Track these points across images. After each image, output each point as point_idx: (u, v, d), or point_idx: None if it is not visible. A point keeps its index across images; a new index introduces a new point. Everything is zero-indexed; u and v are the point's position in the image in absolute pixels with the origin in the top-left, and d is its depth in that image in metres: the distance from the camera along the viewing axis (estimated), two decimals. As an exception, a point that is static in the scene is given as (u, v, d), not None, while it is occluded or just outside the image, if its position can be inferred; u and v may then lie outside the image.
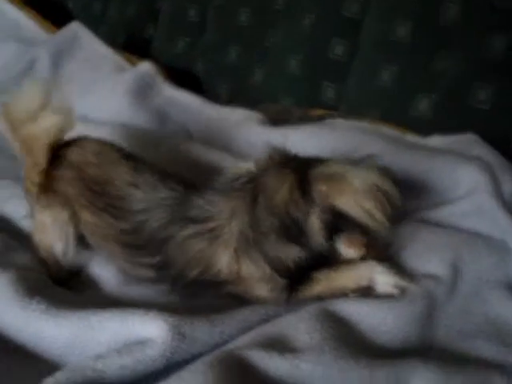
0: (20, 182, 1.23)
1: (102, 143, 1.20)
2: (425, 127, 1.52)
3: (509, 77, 1.44)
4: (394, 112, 1.59)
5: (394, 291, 0.98)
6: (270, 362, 0.77)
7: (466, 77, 1.49)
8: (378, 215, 0.95)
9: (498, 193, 1.21)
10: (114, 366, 0.78)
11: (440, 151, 1.34)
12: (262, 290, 0.98)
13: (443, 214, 1.23)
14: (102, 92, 1.76)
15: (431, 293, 1.02)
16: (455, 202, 1.24)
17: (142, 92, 1.75)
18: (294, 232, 0.95)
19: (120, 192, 1.07)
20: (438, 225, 1.21)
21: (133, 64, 1.87)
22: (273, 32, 1.85)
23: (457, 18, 1.53)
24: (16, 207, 1.25)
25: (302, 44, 1.77)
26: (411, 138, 1.46)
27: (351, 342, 0.87)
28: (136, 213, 1.04)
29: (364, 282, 0.98)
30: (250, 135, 1.61)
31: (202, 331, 0.86)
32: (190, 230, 1.00)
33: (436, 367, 0.83)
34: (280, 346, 0.82)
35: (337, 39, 1.73)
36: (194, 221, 1.00)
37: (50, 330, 0.87)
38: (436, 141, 1.44)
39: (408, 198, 1.27)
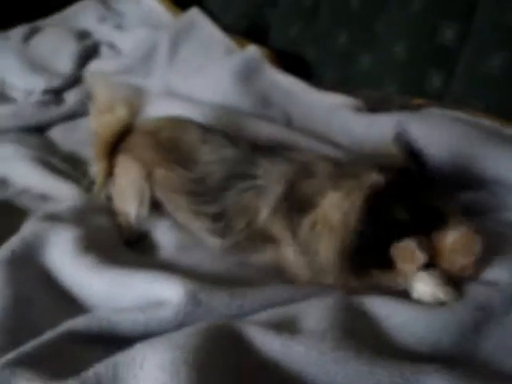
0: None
1: (176, 117, 1.30)
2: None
3: None
4: (500, 103, 1.43)
5: (430, 302, 0.91)
6: (265, 340, 0.77)
7: None
8: None
9: None
10: (128, 320, 0.85)
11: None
12: (289, 254, 1.01)
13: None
14: (209, 74, 1.85)
15: (484, 303, 0.92)
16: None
17: (246, 75, 1.80)
18: None
19: (191, 146, 1.21)
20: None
21: (244, 48, 1.93)
22: (382, 17, 1.77)
23: None
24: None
25: (409, 28, 1.67)
26: (511, 130, 1.31)
27: (367, 336, 0.83)
28: (203, 164, 1.17)
29: (401, 286, 0.94)
30: (345, 122, 1.59)
31: (220, 301, 0.89)
32: (245, 184, 1.09)
33: (449, 379, 0.75)
34: (285, 327, 0.81)
35: (447, 22, 1.60)
36: (250, 177, 1.09)
37: (93, 282, 0.97)
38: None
39: (487, 197, 1.17)
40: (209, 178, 1.15)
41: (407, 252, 0.93)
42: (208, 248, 1.14)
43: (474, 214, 1.14)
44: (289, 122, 1.72)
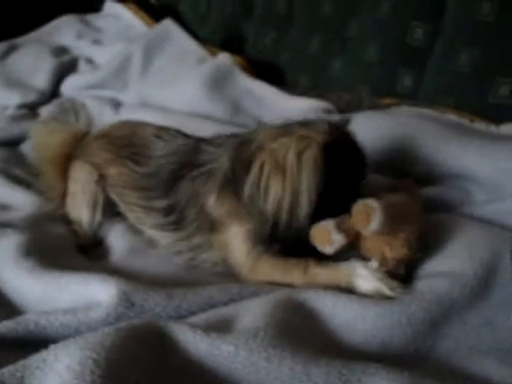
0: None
1: (130, 120, 1.29)
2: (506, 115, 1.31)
3: None
4: (470, 99, 1.39)
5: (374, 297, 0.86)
6: (192, 340, 0.72)
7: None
8: None
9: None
10: (56, 323, 0.80)
11: (498, 140, 1.14)
12: (238, 237, 0.98)
13: (491, 209, 1.05)
14: (181, 83, 1.83)
15: (444, 297, 0.86)
16: (506, 198, 1.05)
17: (217, 83, 1.78)
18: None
19: (144, 141, 1.20)
20: (483, 221, 1.03)
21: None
22: (353, 21, 1.75)
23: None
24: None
25: (380, 31, 1.65)
26: (479, 125, 1.27)
27: (307, 335, 0.77)
28: (156, 157, 1.15)
29: (343, 285, 0.89)
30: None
31: (155, 302, 0.84)
32: (194, 172, 1.08)
33: (395, 379, 0.69)
34: (221, 327, 0.76)
35: (417, 22, 1.57)
36: (198, 164, 1.08)
37: (29, 287, 0.92)
38: (510, 128, 1.24)
39: (452, 191, 1.12)
40: (161, 170, 1.13)
41: (324, 233, 0.89)
42: (158, 251, 1.10)
43: (439, 209, 1.10)
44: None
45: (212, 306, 0.86)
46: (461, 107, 1.39)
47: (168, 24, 2.04)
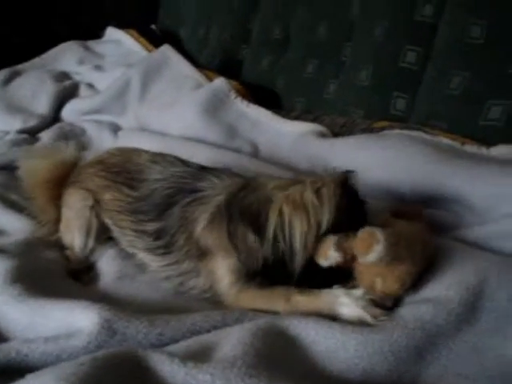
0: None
1: (126, 147, 1.32)
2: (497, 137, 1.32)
3: None
4: (462, 122, 1.40)
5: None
6: (169, 369, 0.71)
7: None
8: None
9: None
10: (38, 351, 0.80)
11: (487, 161, 1.14)
12: (223, 268, 0.99)
13: (483, 231, 1.05)
14: (178, 108, 1.84)
15: (428, 323, 0.86)
16: (499, 220, 1.04)
17: (213, 107, 1.79)
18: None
19: (139, 167, 1.21)
20: (473, 244, 1.03)
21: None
22: (348, 45, 1.78)
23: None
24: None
25: (373, 55, 1.66)
26: (470, 148, 1.27)
27: (288, 363, 0.77)
28: (151, 181, 1.16)
29: (325, 312, 0.89)
30: (308, 148, 1.56)
31: (137, 330, 0.84)
32: (190, 197, 1.08)
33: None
34: (201, 355, 0.76)
35: (410, 46, 1.59)
36: (196, 190, 1.09)
37: (14, 314, 0.92)
38: (500, 150, 1.25)
39: (444, 214, 1.12)
40: (155, 194, 1.13)
41: (325, 246, 0.90)
42: (148, 276, 1.10)
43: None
44: (255, 151, 1.70)
45: (195, 333, 0.85)
46: (452, 130, 1.40)
47: (166, 49, 2.08)
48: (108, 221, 1.22)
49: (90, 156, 1.42)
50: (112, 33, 2.59)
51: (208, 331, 0.86)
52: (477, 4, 1.43)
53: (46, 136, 2.08)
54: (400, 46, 1.60)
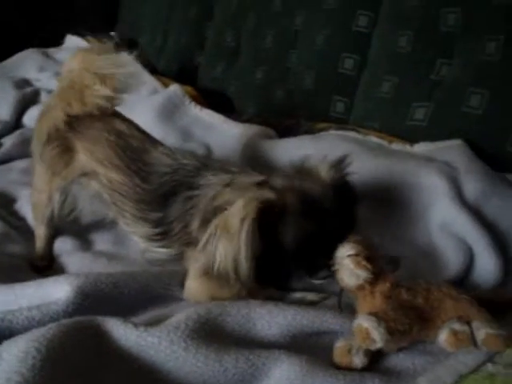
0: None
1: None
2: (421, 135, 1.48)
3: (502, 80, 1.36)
4: (391, 122, 1.56)
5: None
6: (123, 332, 0.84)
7: (460, 83, 1.43)
8: None
9: (457, 194, 1.16)
10: (22, 317, 0.93)
11: (406, 157, 1.30)
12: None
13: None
14: (135, 112, 1.94)
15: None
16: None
17: (168, 112, 1.91)
18: None
19: (153, 160, 1.21)
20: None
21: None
22: (293, 53, 1.92)
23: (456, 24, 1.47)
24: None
25: (316, 62, 1.81)
26: (396, 145, 1.43)
27: (228, 326, 0.90)
28: (160, 174, 1.18)
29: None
30: (254, 149, 1.70)
31: (105, 292, 0.99)
32: (189, 193, 1.12)
33: (296, 362, 0.83)
34: (155, 322, 0.89)
35: (347, 54, 1.74)
36: (195, 187, 1.12)
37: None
38: (421, 147, 1.41)
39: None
40: (161, 187, 1.16)
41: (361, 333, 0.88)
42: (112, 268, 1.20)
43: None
44: (209, 153, 1.82)
45: (149, 292, 1.03)
46: (383, 129, 1.55)
47: (123, 56, 2.17)
48: (106, 196, 1.24)
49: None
50: (71, 40, 2.66)
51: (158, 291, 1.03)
52: (404, 16, 1.59)
53: (8, 141, 2.15)
54: (339, 54, 1.76)
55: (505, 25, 1.41)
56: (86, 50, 1.33)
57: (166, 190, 1.16)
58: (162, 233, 1.16)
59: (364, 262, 0.91)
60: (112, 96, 1.26)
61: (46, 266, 1.30)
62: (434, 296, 0.92)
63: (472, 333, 0.88)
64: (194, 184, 1.13)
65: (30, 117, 2.27)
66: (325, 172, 1.05)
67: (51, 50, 2.64)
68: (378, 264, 0.93)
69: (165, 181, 1.17)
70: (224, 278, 0.99)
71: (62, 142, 1.27)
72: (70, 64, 1.35)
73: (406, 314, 0.89)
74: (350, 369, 0.85)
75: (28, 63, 2.56)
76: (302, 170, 1.08)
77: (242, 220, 0.97)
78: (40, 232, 1.34)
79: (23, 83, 2.46)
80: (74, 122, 1.26)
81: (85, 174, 1.27)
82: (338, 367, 0.86)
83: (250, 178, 1.07)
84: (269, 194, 1.00)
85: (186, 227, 1.11)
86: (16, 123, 2.28)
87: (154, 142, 1.27)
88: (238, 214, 0.98)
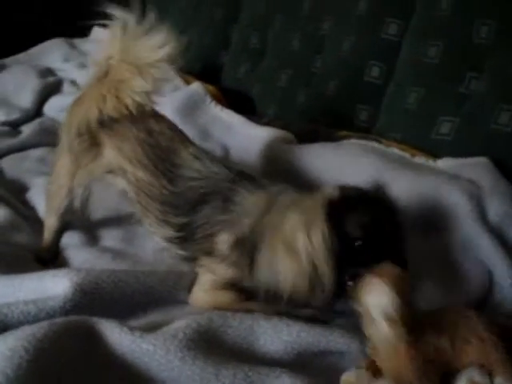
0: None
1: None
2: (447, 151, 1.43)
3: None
4: (415, 135, 1.51)
5: None
6: (118, 336, 0.81)
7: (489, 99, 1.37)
8: None
9: (480, 215, 1.11)
10: (17, 311, 0.90)
11: (428, 172, 1.26)
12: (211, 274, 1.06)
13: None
14: (156, 108, 1.93)
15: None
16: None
17: (188, 110, 1.88)
18: None
19: (182, 162, 1.16)
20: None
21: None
22: (318, 58, 1.88)
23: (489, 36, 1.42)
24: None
25: (340, 68, 1.77)
26: (419, 159, 1.38)
27: (228, 339, 0.86)
28: (189, 179, 1.14)
29: None
30: (273, 153, 1.66)
31: (106, 291, 0.96)
32: (220, 204, 1.08)
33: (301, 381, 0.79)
34: (153, 328, 0.86)
35: (374, 62, 1.70)
36: (228, 200, 1.08)
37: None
38: (445, 163, 1.36)
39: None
40: (189, 192, 1.13)
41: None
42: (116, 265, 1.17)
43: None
44: (226, 154, 1.79)
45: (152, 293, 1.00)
46: (406, 142, 1.50)
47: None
48: (132, 195, 1.21)
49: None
50: (98, 32, 2.66)
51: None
52: (435, 26, 1.54)
53: (27, 129, 2.14)
54: (365, 61, 1.71)
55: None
56: (123, 34, 1.22)
57: (194, 196, 1.12)
58: (184, 237, 1.12)
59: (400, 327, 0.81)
60: (150, 91, 1.20)
61: (51, 259, 1.28)
62: (460, 333, 0.85)
63: None
64: (228, 197, 1.08)
65: (51, 106, 2.27)
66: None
67: (77, 41, 2.64)
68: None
69: (192, 186, 1.13)
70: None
71: (91, 136, 1.23)
72: (108, 50, 1.26)
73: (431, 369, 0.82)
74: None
75: (53, 53, 2.56)
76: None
77: (308, 234, 0.94)
78: (50, 223, 1.32)
79: (47, 72, 2.46)
80: (104, 117, 1.20)
81: (111, 171, 1.23)
82: None
83: (291, 195, 1.05)
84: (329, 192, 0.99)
85: (211, 236, 1.08)
86: (36, 112, 2.28)
87: (185, 141, 1.22)
88: (299, 231, 0.95)
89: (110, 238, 1.35)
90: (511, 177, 1.27)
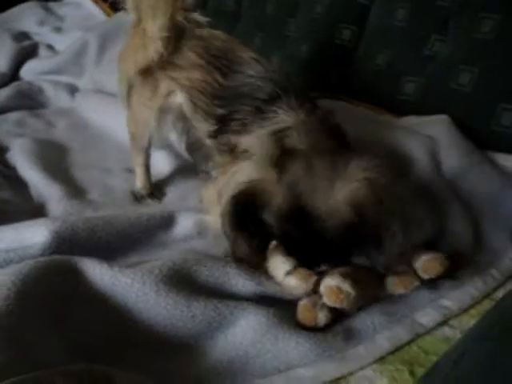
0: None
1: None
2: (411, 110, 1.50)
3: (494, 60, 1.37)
4: (383, 96, 1.57)
5: None
6: (98, 271, 0.88)
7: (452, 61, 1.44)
8: None
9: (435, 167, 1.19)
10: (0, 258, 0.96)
11: (391, 127, 1.33)
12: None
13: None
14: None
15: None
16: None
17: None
18: None
19: (239, 59, 1.22)
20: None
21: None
22: (291, 21, 1.93)
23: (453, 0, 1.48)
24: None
25: (313, 31, 1.82)
26: (384, 117, 1.45)
27: (201, 275, 0.93)
28: (246, 75, 1.19)
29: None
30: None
31: (82, 237, 1.02)
32: (263, 107, 1.12)
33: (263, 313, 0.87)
34: (129, 265, 0.93)
35: (345, 25, 1.74)
36: (269, 109, 1.12)
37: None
38: (408, 120, 1.43)
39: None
40: (242, 87, 1.17)
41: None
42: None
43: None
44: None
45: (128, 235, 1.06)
46: (374, 103, 1.57)
47: (123, 16, 2.17)
48: (184, 96, 1.26)
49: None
50: (73, -5, 2.66)
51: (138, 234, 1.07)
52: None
53: (3, 93, 2.15)
54: (336, 24, 1.76)
55: (502, 4, 1.42)
56: None
57: (245, 92, 1.16)
58: (219, 130, 1.19)
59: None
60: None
61: (148, 194, 1.42)
62: None
63: (414, 270, 0.95)
64: (271, 105, 1.11)
65: (28, 70, 2.29)
66: None
67: (52, 4, 2.63)
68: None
69: (248, 83, 1.17)
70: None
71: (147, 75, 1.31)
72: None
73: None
74: (313, 326, 0.89)
75: (28, 16, 2.55)
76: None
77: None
78: (140, 161, 1.43)
79: (22, 36, 2.46)
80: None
81: (169, 94, 1.30)
82: (302, 324, 0.89)
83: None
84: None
85: (240, 132, 1.13)
86: (13, 76, 2.29)
87: (241, 44, 1.28)
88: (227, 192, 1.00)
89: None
90: (469, 133, 1.34)
